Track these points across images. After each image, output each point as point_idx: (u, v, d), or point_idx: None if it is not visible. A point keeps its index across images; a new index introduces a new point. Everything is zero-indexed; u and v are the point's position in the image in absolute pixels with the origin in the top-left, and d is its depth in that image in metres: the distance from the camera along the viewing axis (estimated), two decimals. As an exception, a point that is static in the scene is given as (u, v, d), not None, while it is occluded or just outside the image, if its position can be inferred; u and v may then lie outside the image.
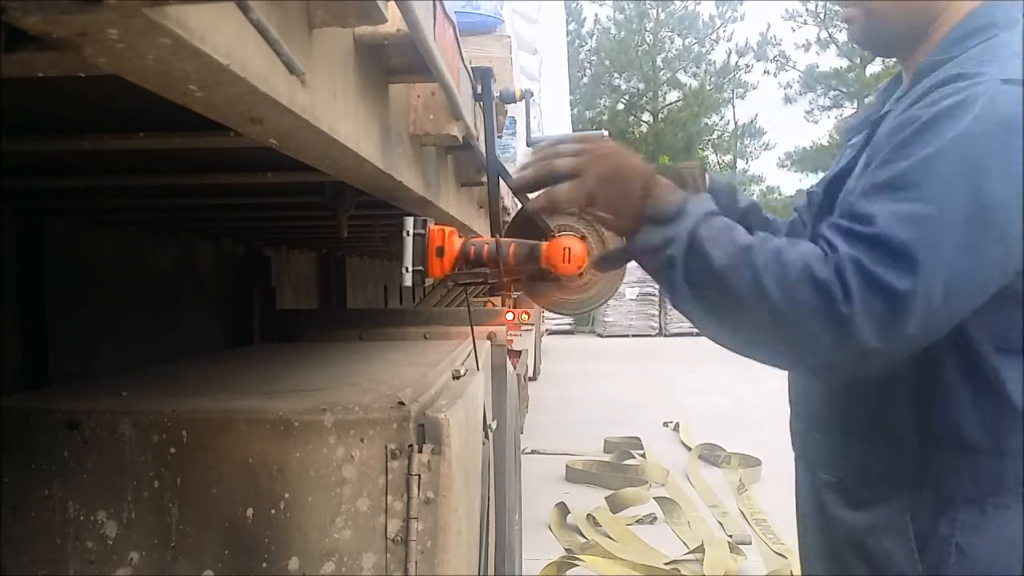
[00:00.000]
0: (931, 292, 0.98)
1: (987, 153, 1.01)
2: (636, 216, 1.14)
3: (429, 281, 1.36)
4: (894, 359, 1.04)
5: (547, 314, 18.36)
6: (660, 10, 28.59)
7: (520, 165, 1.28)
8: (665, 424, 7.78)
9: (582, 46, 28.75)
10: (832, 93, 28.51)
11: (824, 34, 27.44)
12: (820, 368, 1.12)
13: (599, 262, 1.29)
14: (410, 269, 1.31)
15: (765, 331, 1.05)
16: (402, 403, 1.34)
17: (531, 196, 1.24)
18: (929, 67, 1.17)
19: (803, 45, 28.42)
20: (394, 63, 1.23)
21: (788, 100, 29.06)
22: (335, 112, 0.97)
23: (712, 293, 1.07)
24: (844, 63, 27.46)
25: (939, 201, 0.99)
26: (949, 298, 0.99)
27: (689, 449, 6.76)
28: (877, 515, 1.18)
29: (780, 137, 47.08)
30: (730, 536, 4.63)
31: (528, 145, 2.29)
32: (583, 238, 1.38)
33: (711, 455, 6.44)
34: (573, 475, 6.03)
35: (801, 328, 1.00)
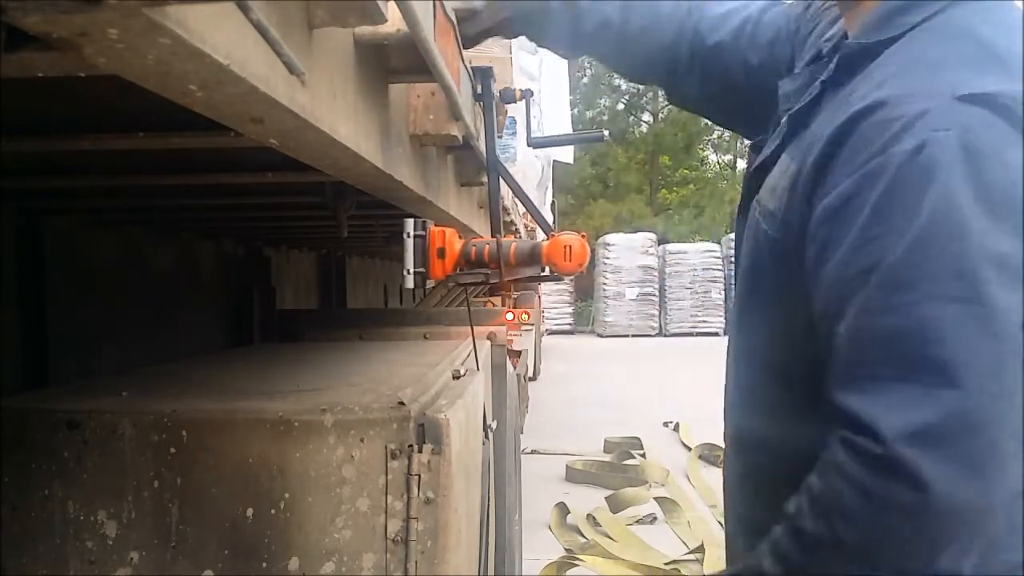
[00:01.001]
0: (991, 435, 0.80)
1: (972, 216, 0.81)
2: None
3: (430, 282, 1.36)
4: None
5: (547, 314, 18.39)
6: (660, 10, 28.58)
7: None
8: (665, 424, 7.78)
9: (582, 46, 28.74)
10: (832, 93, 28.44)
11: (824, 34, 27.38)
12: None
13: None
14: (411, 271, 1.31)
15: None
16: (402, 403, 1.34)
17: None
18: (855, 55, 0.97)
19: (803, 45, 28.36)
20: (394, 63, 1.23)
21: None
22: (335, 112, 0.97)
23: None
24: (844, 63, 27.41)
25: (945, 321, 0.80)
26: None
27: (689, 449, 6.76)
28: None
29: (780, 137, 46.93)
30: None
31: (528, 145, 2.29)
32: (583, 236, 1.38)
33: (710, 455, 6.43)
34: (573, 475, 6.03)
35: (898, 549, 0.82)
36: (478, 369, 2.10)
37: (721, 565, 4.16)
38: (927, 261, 0.82)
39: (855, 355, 0.86)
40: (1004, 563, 0.86)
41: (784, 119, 1.08)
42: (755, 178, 1.11)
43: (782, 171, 1.01)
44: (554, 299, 19.40)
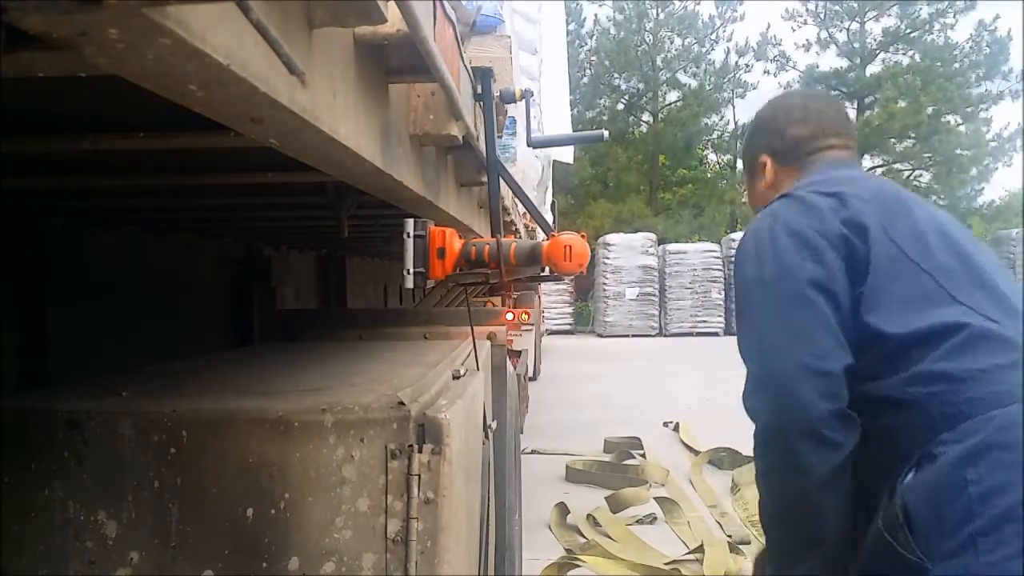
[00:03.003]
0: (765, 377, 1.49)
1: (758, 241, 1.57)
2: None
3: (430, 282, 1.36)
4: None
5: (547, 314, 18.39)
6: (660, 10, 28.56)
7: None
8: (665, 424, 7.78)
9: (582, 46, 28.72)
10: (832, 93, 28.49)
11: (824, 34, 27.40)
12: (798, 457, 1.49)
13: None
14: (411, 271, 1.31)
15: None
16: (402, 403, 1.34)
17: None
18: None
19: (803, 45, 28.37)
20: (394, 63, 1.23)
21: (788, 100, 28.99)
22: (335, 112, 0.97)
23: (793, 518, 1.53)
24: (844, 63, 27.46)
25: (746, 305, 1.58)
26: (768, 355, 1.49)
27: (689, 449, 6.76)
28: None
29: (780, 137, 46.90)
30: (729, 536, 4.63)
31: (528, 145, 2.29)
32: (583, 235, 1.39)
33: (715, 458, 6.43)
34: (573, 475, 6.03)
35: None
36: (478, 369, 2.10)
37: (721, 565, 4.16)
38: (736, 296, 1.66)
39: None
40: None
41: None
42: None
43: None
44: (554, 299, 19.41)
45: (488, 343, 2.78)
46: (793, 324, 1.44)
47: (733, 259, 1.66)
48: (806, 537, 1.47)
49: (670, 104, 29.24)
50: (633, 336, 18.37)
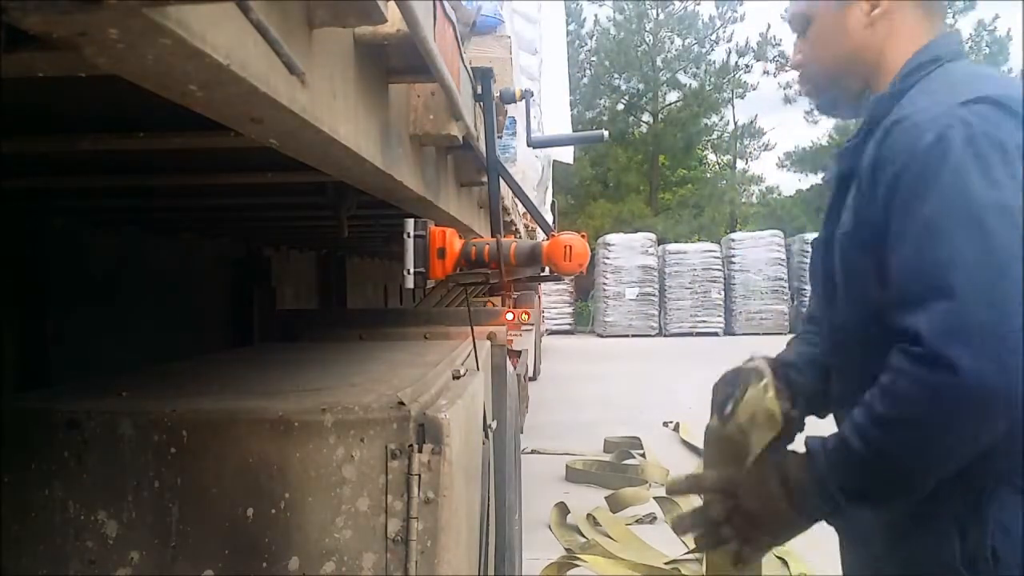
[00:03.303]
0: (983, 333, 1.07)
1: (975, 181, 1.12)
2: (791, 521, 1.28)
3: (430, 282, 1.36)
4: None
5: (547, 314, 18.39)
6: (660, 10, 28.55)
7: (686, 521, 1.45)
8: (665, 424, 7.78)
9: (582, 46, 28.72)
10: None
11: (824, 34, 27.33)
12: (990, 433, 1.13)
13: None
14: (411, 271, 1.31)
15: (934, 457, 1.14)
16: (402, 403, 1.34)
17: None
18: (881, 102, 1.28)
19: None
20: (394, 63, 1.23)
21: (788, 100, 29.01)
22: (335, 112, 0.97)
23: (887, 491, 1.20)
24: (844, 63, 27.38)
25: (960, 252, 1.10)
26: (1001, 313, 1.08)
27: (690, 448, 6.76)
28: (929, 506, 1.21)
29: (780, 137, 47.14)
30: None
31: (528, 145, 2.29)
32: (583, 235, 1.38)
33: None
34: (573, 475, 6.03)
35: (947, 431, 1.11)
36: (478, 369, 2.10)
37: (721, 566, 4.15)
38: (945, 216, 1.12)
39: (902, 287, 1.15)
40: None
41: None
42: (830, 214, 1.36)
43: (851, 198, 1.27)
44: (554, 299, 19.40)
45: (488, 343, 2.78)
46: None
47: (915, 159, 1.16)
48: (888, 492, 1.20)
49: (670, 104, 29.23)
50: (633, 336, 18.36)
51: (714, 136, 30.51)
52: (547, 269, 1.43)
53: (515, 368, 4.10)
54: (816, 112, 1.49)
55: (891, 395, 1.13)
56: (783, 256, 18.90)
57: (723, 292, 18.60)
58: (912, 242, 1.14)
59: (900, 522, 1.25)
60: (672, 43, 29.12)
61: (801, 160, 28.23)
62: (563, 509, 5.02)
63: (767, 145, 30.80)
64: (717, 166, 30.64)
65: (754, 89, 29.47)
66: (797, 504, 1.24)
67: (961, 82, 1.22)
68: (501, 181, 1.76)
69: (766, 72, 29.20)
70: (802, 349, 1.54)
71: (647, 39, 28.71)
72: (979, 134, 1.12)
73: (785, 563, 4.10)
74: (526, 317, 6.01)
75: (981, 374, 1.05)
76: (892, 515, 1.27)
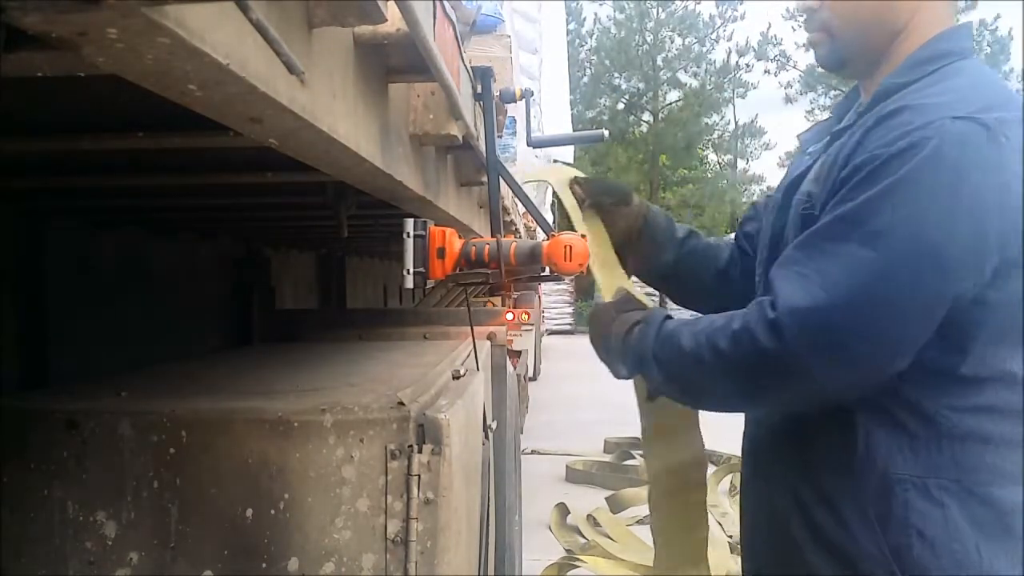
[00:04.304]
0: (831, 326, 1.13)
1: (930, 195, 1.12)
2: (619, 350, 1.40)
3: (430, 282, 1.36)
4: (845, 385, 1.17)
5: (547, 314, 18.40)
6: (660, 10, 28.55)
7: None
8: (665, 424, 7.77)
9: (582, 46, 28.72)
10: (833, 93, 28.48)
11: (824, 34, 27.33)
12: (783, 406, 1.30)
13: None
14: (411, 271, 1.31)
15: (729, 395, 1.28)
16: (402, 403, 1.34)
17: None
18: (888, 89, 1.26)
19: (804, 45, 28.32)
20: (394, 63, 1.23)
21: (789, 100, 29.07)
22: (335, 112, 0.97)
23: (679, 388, 1.35)
24: (844, 63, 27.38)
25: (878, 240, 1.12)
26: (877, 322, 1.13)
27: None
28: (844, 502, 1.23)
29: (780, 137, 47.06)
30: (730, 536, 4.63)
31: (528, 145, 2.29)
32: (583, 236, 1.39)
33: (712, 454, 6.42)
34: (573, 475, 6.03)
35: (750, 380, 1.21)
36: (478, 369, 2.10)
37: (722, 566, 4.16)
38: (878, 225, 1.12)
39: (798, 251, 1.20)
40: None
41: (812, 143, 1.42)
42: (790, 189, 1.37)
43: (821, 165, 1.29)
44: (554, 299, 19.40)
45: (488, 343, 2.78)
46: (915, 312, 1.12)
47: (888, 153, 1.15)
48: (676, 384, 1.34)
49: (670, 104, 29.24)
50: (633, 336, 18.34)
51: (715, 135, 30.52)
52: (547, 269, 1.43)
53: (515, 368, 4.11)
54: (818, 63, 1.41)
55: (735, 339, 1.19)
56: (783, 256, 18.86)
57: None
58: (838, 226, 1.16)
59: (817, 519, 1.26)
60: (672, 42, 29.13)
61: (801, 160, 28.14)
62: (563, 510, 5.02)
63: (767, 145, 30.86)
64: (718, 166, 30.66)
65: (755, 88, 29.51)
66: (615, 330, 1.40)
67: (963, 89, 1.21)
68: (501, 181, 1.76)
69: (766, 71, 29.24)
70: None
71: (647, 38, 28.71)
72: (953, 160, 1.11)
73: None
74: (526, 317, 6.02)
75: (808, 369, 1.13)
76: (807, 513, 1.28)
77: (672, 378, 1.32)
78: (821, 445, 1.26)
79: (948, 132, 1.12)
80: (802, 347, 1.12)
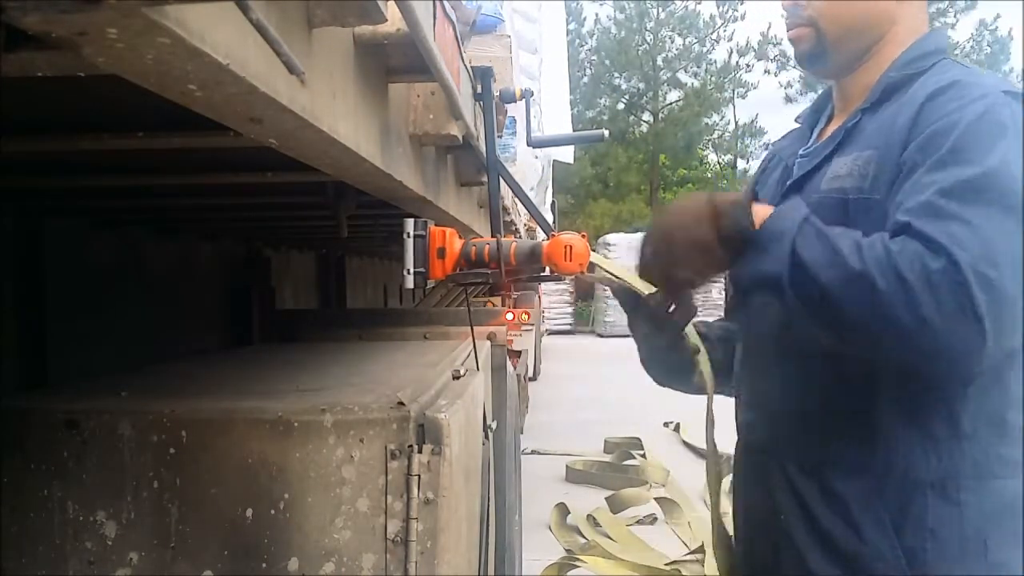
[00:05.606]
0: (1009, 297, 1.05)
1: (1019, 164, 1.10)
2: (717, 257, 1.21)
3: (430, 282, 1.35)
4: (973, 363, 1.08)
5: (547, 314, 18.41)
6: (660, 9, 28.54)
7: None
8: (666, 424, 7.78)
9: (582, 46, 28.71)
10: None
11: (824, 34, 27.34)
12: (918, 361, 1.12)
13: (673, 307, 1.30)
14: (411, 271, 1.31)
15: (878, 324, 1.08)
16: (402, 403, 1.34)
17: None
18: (897, 82, 1.28)
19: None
20: (394, 63, 1.23)
21: (789, 100, 29.02)
22: (335, 112, 0.97)
23: (827, 313, 1.12)
24: (844, 63, 27.39)
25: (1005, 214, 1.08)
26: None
27: (691, 449, 6.75)
28: (856, 504, 1.22)
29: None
30: (730, 537, 4.63)
31: (528, 145, 2.29)
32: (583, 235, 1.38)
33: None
34: (573, 475, 6.03)
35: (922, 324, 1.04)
36: (478, 369, 2.10)
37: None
38: (990, 186, 1.09)
39: (945, 202, 1.09)
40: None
41: (788, 151, 1.44)
42: (796, 186, 1.35)
43: (853, 160, 1.26)
44: (554, 299, 19.39)
45: (488, 343, 2.78)
46: None
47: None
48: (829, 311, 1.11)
49: (671, 104, 29.23)
50: (633, 336, 18.34)
51: (715, 136, 30.49)
52: (547, 269, 1.43)
53: (515, 368, 4.11)
54: (798, 60, 1.40)
55: (893, 254, 1.07)
56: (783, 256, 18.86)
57: (723, 292, 18.54)
58: (970, 193, 1.09)
59: (822, 519, 1.25)
60: (673, 42, 29.12)
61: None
62: (563, 510, 5.02)
63: (768, 145, 30.78)
64: (718, 166, 30.62)
65: (755, 88, 29.48)
66: (723, 228, 1.19)
67: (980, 74, 1.23)
68: (501, 181, 1.76)
69: (767, 71, 29.19)
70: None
71: (648, 38, 28.71)
72: (1018, 123, 1.13)
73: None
74: (526, 317, 6.02)
75: (969, 286, 1.03)
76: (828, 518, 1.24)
77: (810, 284, 1.11)
78: (832, 443, 1.24)
79: (1008, 101, 1.15)
80: (980, 301, 1.02)
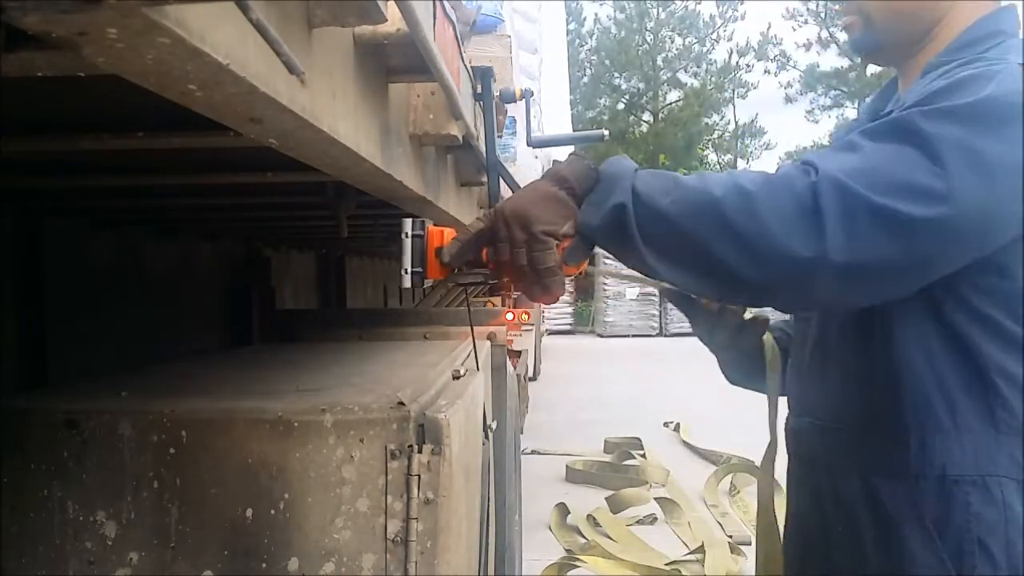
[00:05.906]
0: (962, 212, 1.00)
1: (1000, 118, 1.03)
2: (566, 204, 1.12)
3: (428, 282, 1.35)
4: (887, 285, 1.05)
5: (547, 314, 18.43)
6: (660, 9, 28.57)
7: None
8: (665, 424, 7.78)
9: (582, 46, 28.73)
10: (833, 93, 28.51)
11: (825, 33, 27.41)
12: (797, 295, 1.09)
13: (565, 260, 1.17)
14: (409, 271, 1.31)
15: (737, 253, 1.02)
16: (402, 403, 1.34)
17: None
18: (937, 65, 1.21)
19: (804, 44, 28.39)
20: (394, 63, 1.23)
21: (789, 100, 29.07)
22: (335, 112, 0.97)
23: (674, 238, 1.06)
24: (845, 63, 27.44)
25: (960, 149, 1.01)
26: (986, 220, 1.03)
27: (690, 448, 6.75)
28: (897, 504, 1.18)
29: (780, 137, 47.15)
30: (730, 536, 4.63)
31: (528, 145, 2.29)
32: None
33: (712, 454, 6.43)
34: (573, 475, 6.03)
35: (768, 237, 1.00)
36: (478, 369, 2.10)
37: (722, 566, 4.16)
38: (910, 127, 1.03)
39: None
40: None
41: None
42: None
43: None
44: (554, 299, 19.38)
45: (488, 343, 2.78)
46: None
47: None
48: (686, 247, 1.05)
49: (671, 104, 29.24)
50: (633, 336, 18.36)
51: (715, 135, 30.52)
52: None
53: (515, 368, 4.11)
54: (851, 48, 1.37)
55: (761, 180, 1.03)
56: (783, 256, 18.87)
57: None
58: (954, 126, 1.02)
59: (863, 522, 1.22)
60: (673, 42, 29.15)
61: (801, 160, 28.15)
62: (563, 510, 5.02)
63: (768, 144, 30.85)
64: (718, 166, 30.62)
65: (755, 88, 29.51)
66: (565, 180, 1.12)
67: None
68: (501, 181, 1.76)
69: (767, 71, 29.24)
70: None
71: (648, 38, 28.73)
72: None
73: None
74: (526, 317, 6.02)
75: (817, 185, 0.99)
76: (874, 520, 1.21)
77: (653, 208, 1.07)
78: (870, 443, 1.21)
79: (1014, 70, 1.09)
80: (826, 201, 0.98)
